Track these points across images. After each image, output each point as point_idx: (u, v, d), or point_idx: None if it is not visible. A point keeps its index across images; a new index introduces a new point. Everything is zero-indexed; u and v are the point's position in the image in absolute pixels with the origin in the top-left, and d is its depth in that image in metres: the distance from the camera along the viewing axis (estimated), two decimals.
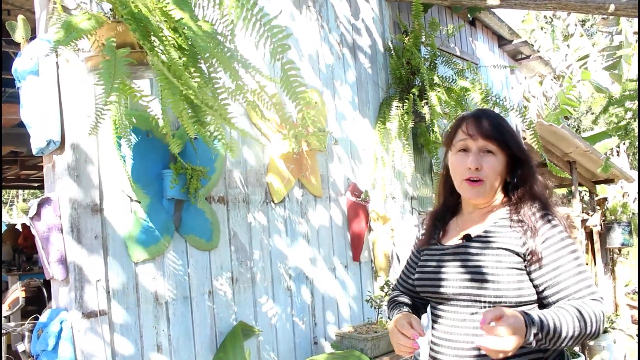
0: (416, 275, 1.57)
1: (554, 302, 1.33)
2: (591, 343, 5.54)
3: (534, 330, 1.19)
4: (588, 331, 1.25)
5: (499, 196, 1.51)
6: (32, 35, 2.29)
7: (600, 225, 6.73)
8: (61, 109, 2.18)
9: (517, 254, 1.37)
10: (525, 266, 1.37)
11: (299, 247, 3.11)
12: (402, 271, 1.73)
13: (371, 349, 2.90)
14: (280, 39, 1.45)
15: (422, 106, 3.68)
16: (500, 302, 1.35)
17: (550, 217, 1.40)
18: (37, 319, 2.36)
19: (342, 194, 3.43)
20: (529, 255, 1.36)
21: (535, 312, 1.24)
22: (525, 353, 1.35)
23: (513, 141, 1.47)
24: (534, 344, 1.21)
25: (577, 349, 5.26)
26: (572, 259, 1.34)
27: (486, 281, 1.37)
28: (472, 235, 1.47)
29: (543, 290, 1.35)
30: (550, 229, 1.37)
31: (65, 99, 2.19)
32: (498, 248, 1.39)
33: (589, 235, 6.66)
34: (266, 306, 2.88)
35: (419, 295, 1.60)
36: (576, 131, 13.18)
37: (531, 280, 1.36)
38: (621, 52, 5.74)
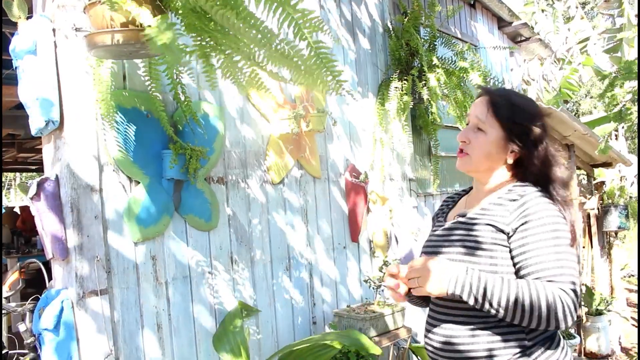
0: (422, 251, 1.62)
1: None
2: (587, 325, 5.59)
3: (459, 284, 1.31)
4: (534, 309, 1.26)
5: (504, 174, 1.51)
6: (29, 15, 2.27)
7: (598, 208, 6.75)
8: (60, 88, 2.16)
9: (502, 231, 1.38)
10: (508, 243, 1.38)
11: (298, 227, 3.12)
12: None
13: (369, 328, 2.93)
14: (307, 20, 1.42)
15: (421, 87, 3.68)
16: None
17: (542, 199, 1.39)
18: (37, 299, 2.37)
19: (341, 175, 3.43)
20: (511, 232, 1.37)
21: (474, 269, 1.34)
22: (506, 333, 1.37)
23: (512, 121, 1.46)
24: (464, 296, 1.31)
25: (572, 330, 5.30)
26: (553, 245, 1.32)
27: (470, 255, 1.40)
28: (470, 214, 1.49)
29: (519, 269, 1.36)
30: (539, 212, 1.36)
31: (63, 77, 2.18)
32: (485, 224, 1.41)
33: (586, 218, 6.69)
34: (265, 286, 2.90)
35: None
36: (575, 115, 13.17)
37: (512, 257, 1.38)
38: (622, 35, 5.68)
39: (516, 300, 1.27)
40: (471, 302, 1.31)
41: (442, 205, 1.73)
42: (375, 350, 2.47)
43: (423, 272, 1.34)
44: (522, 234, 1.35)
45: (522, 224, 1.36)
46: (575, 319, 1.29)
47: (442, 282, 1.32)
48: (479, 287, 1.30)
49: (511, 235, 1.37)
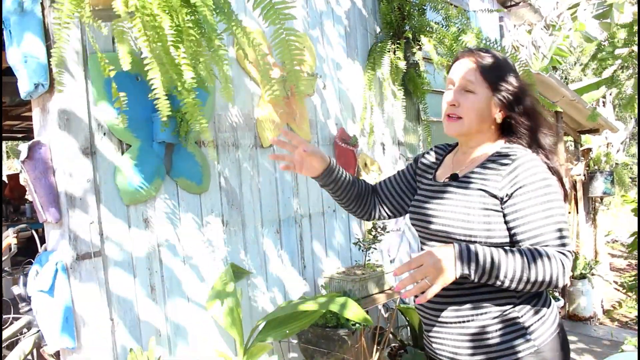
0: (410, 209, 1.63)
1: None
2: (571, 289, 5.72)
3: (465, 266, 1.25)
4: (538, 277, 1.27)
5: (493, 136, 1.52)
6: None
7: (584, 174, 6.84)
8: (48, 50, 2.14)
9: (494, 196, 1.37)
10: (502, 208, 1.37)
11: (288, 191, 3.15)
12: (388, 176, 1.79)
13: (359, 289, 2.99)
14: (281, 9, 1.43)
15: (413, 52, 3.67)
16: (470, 242, 1.37)
17: (534, 162, 1.38)
18: (31, 264, 2.39)
19: (331, 137, 3.45)
20: (505, 198, 1.36)
21: (475, 246, 1.29)
22: (496, 291, 1.39)
23: (498, 80, 1.46)
24: (472, 276, 1.27)
25: (556, 293, 5.44)
26: (547, 209, 1.33)
27: (458, 220, 1.40)
28: (459, 175, 1.49)
29: (514, 235, 1.36)
30: (531, 176, 1.36)
31: (52, 39, 2.15)
32: (477, 189, 1.40)
33: (573, 184, 6.78)
34: (256, 249, 2.94)
35: (386, 204, 1.74)
36: (564, 82, 13.15)
37: (506, 223, 1.37)
38: (612, 0, 5.66)
39: (522, 272, 1.26)
40: (477, 279, 1.28)
41: (426, 154, 1.71)
42: (364, 316, 2.52)
43: (430, 269, 1.24)
44: (516, 200, 1.34)
45: (516, 190, 1.35)
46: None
47: (448, 271, 1.25)
48: (485, 265, 1.26)
49: (505, 201, 1.36)
